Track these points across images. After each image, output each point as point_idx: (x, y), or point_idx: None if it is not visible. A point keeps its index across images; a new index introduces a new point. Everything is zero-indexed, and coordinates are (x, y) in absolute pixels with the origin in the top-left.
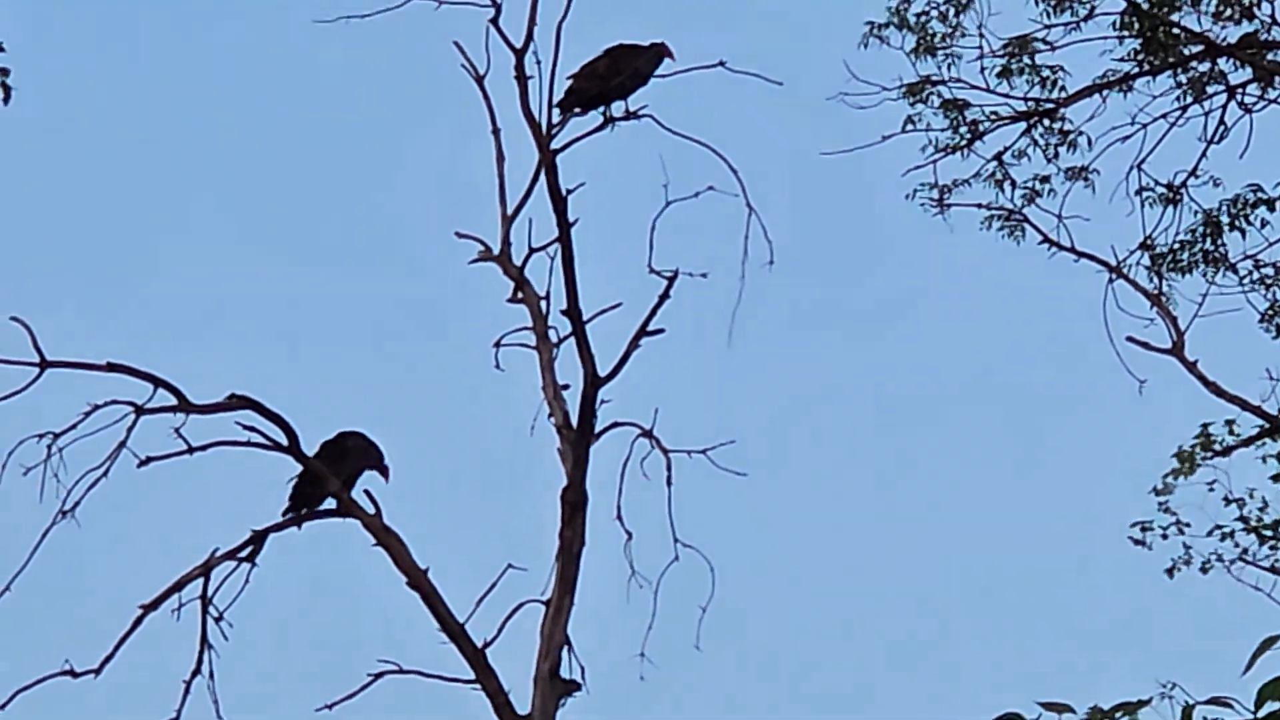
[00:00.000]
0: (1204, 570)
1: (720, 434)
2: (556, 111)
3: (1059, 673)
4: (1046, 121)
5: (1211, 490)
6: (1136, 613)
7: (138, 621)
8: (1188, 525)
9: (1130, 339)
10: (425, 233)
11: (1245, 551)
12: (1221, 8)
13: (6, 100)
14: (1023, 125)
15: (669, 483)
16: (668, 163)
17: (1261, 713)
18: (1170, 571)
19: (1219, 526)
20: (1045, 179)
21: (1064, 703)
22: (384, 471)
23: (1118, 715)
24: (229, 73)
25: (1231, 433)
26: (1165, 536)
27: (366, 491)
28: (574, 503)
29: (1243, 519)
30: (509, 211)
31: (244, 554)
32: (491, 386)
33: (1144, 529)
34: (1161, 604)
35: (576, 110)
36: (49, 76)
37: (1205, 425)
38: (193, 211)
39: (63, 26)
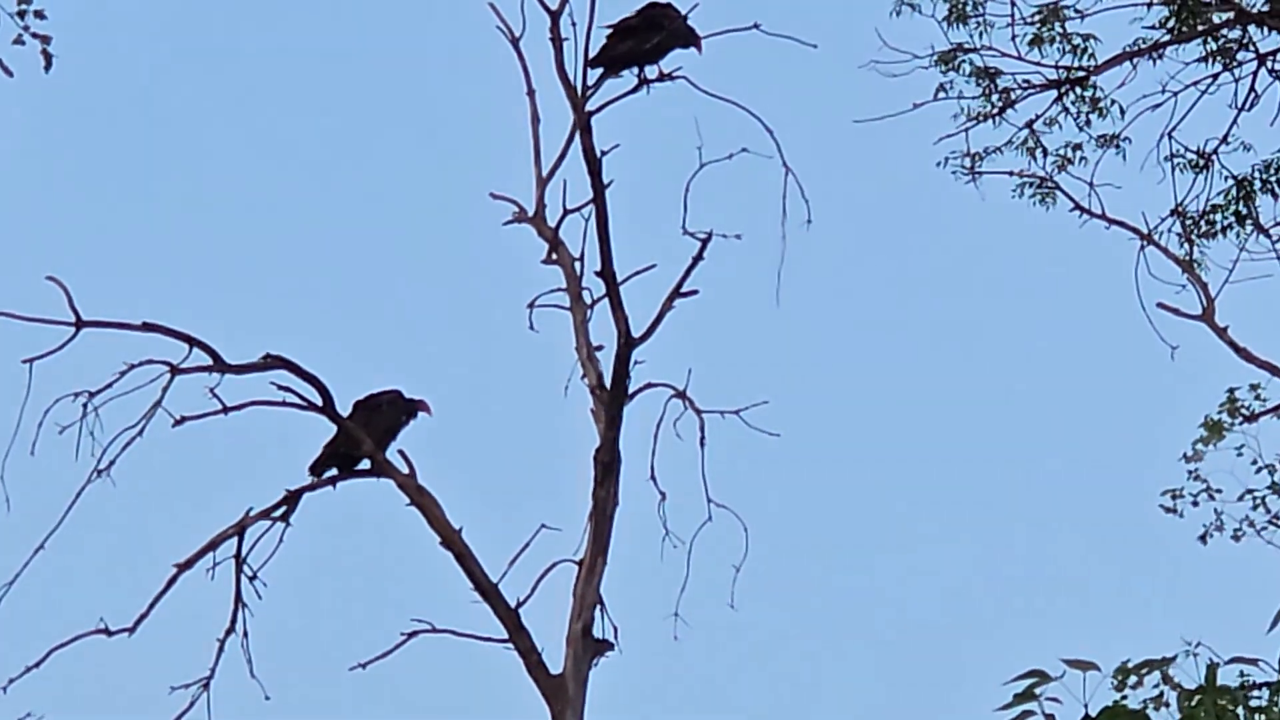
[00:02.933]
0: (1235, 538)
1: (753, 395)
2: (591, 72)
3: (1088, 636)
4: (1078, 90)
5: (1240, 455)
6: (1168, 579)
7: (172, 580)
8: (1219, 491)
9: (1161, 305)
10: (460, 194)
11: (1277, 516)
12: None
13: (48, 67)
14: (1054, 93)
15: (702, 443)
16: (702, 125)
17: None
18: (1204, 538)
19: (1250, 491)
20: (1077, 146)
21: (1088, 660)
22: (425, 408)
23: (1142, 672)
24: (259, 32)
25: (1258, 398)
26: (1196, 504)
27: (401, 452)
28: (607, 463)
29: (1274, 485)
30: (543, 173)
31: (278, 513)
32: (525, 347)
33: (1175, 496)
34: (1194, 569)
35: (611, 71)
36: (90, 41)
37: (1231, 391)
38: (224, 168)
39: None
